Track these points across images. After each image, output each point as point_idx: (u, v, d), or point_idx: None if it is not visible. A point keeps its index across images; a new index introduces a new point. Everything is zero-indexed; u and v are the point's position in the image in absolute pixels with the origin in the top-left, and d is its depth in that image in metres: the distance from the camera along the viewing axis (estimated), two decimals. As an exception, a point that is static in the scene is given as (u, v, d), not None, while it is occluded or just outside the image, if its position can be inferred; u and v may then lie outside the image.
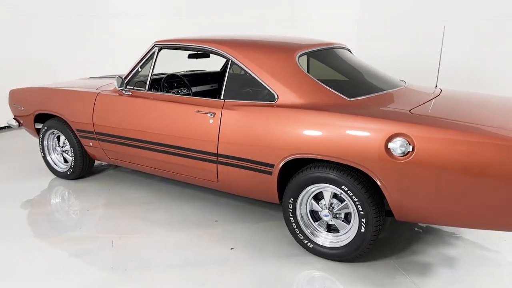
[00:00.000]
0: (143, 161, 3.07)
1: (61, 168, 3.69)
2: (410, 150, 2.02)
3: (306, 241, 2.46)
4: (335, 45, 3.04)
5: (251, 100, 2.59)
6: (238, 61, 2.63)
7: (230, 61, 2.70)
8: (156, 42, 3.04)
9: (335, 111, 2.27)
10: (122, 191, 3.43)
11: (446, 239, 2.69)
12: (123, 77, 3.08)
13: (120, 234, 2.72)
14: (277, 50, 2.67)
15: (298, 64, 2.55)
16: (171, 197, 3.30)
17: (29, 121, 3.71)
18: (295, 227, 2.47)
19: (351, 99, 2.39)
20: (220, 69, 4.10)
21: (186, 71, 3.90)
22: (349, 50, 3.21)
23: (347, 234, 2.36)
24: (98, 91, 3.25)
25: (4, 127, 5.50)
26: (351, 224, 2.33)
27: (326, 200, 2.38)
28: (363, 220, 2.22)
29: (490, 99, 2.71)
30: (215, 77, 4.01)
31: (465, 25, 5.28)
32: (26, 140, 4.92)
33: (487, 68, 5.25)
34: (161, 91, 3.19)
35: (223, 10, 6.55)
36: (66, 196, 3.36)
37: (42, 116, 3.65)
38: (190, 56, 3.44)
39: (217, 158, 2.64)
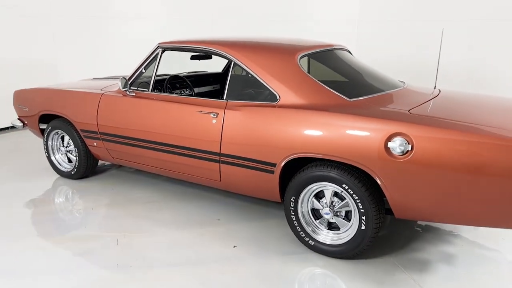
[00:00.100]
0: (146, 160, 3.12)
1: (65, 168, 3.73)
2: (409, 149, 2.07)
3: (308, 239, 2.51)
4: (335, 47, 3.09)
5: (253, 101, 2.64)
6: (241, 62, 2.68)
7: (232, 62, 2.75)
8: (159, 43, 3.09)
9: (336, 111, 2.32)
10: (125, 190, 3.48)
11: (445, 237, 2.73)
12: (127, 78, 3.13)
13: (124, 233, 2.77)
14: (278, 52, 2.72)
15: (299, 65, 2.60)
16: (174, 197, 3.35)
17: (33, 122, 3.76)
18: (297, 225, 2.52)
19: (352, 100, 2.44)
20: (222, 70, 4.15)
21: (188, 72, 3.95)
22: (349, 52, 3.26)
23: (347, 232, 2.40)
24: (102, 92, 3.30)
25: (7, 128, 5.55)
26: (351, 221, 2.38)
27: (327, 198, 2.42)
28: (363, 217, 2.27)
29: (488, 99, 2.76)
30: (217, 78, 4.06)
31: (463, 26, 5.33)
32: (30, 140, 4.97)
33: (486, 69, 5.30)
34: (164, 92, 3.23)
35: (223, 12, 6.60)
36: (70, 196, 3.41)
37: (46, 116, 3.70)
38: (192, 58, 3.50)
39: (220, 158, 2.68)
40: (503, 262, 2.51)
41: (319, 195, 2.47)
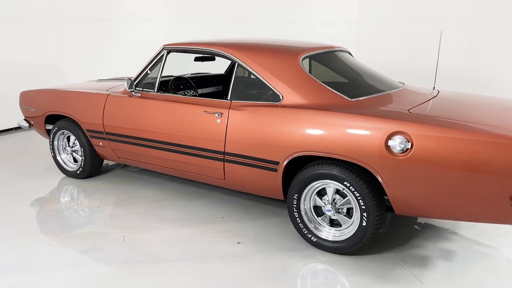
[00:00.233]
0: (152, 160, 3.19)
1: (70, 167, 3.80)
2: (409, 147, 2.14)
3: (310, 235, 2.57)
4: (336, 48, 3.16)
5: (256, 101, 2.71)
6: (245, 63, 2.75)
7: (236, 63, 2.82)
8: (164, 45, 3.16)
9: (338, 110, 2.39)
10: (130, 189, 3.55)
11: (444, 235, 2.80)
12: (132, 79, 3.20)
13: (130, 230, 2.83)
14: (281, 53, 2.79)
15: (302, 67, 2.67)
16: (179, 195, 3.41)
17: (40, 122, 3.82)
18: (299, 222, 2.58)
19: (353, 100, 2.51)
20: (225, 72, 4.22)
21: (192, 74, 4.02)
22: (349, 53, 3.33)
23: (349, 228, 2.47)
24: (108, 93, 3.37)
25: (12, 128, 5.62)
26: (353, 218, 2.44)
27: (329, 196, 2.49)
28: (365, 214, 2.33)
29: (485, 100, 2.83)
30: (219, 80, 4.13)
31: (461, 28, 5.41)
32: (35, 140, 5.05)
33: (483, 70, 5.38)
34: (168, 93, 3.30)
35: (224, 15, 6.68)
36: (76, 195, 3.47)
37: (52, 117, 3.77)
38: (196, 59, 3.57)
39: (224, 157, 2.75)
40: (501, 258, 2.57)
41: (321, 193, 2.54)
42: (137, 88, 3.21)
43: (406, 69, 5.69)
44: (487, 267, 2.44)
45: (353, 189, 2.33)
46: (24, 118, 4.04)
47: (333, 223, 2.56)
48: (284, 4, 6.51)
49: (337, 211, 2.49)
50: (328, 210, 2.50)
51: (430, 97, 2.74)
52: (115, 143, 3.32)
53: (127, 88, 3.18)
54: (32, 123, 3.96)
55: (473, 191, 2.08)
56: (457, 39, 5.40)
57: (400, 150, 2.15)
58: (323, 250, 2.55)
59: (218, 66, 4.20)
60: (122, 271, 2.36)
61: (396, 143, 2.16)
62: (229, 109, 2.72)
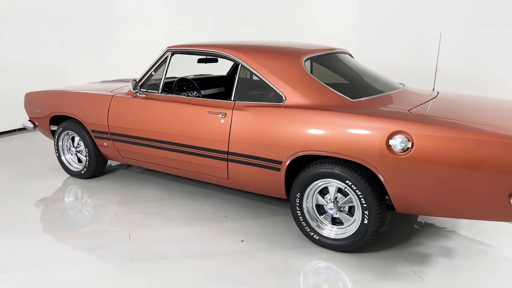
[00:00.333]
0: (156, 160, 3.23)
1: (75, 167, 3.84)
2: (410, 146, 2.19)
3: (312, 233, 2.62)
4: (337, 50, 3.22)
5: (260, 101, 2.76)
6: (248, 65, 2.81)
7: (240, 65, 2.87)
8: (169, 47, 3.21)
9: (340, 111, 2.44)
10: (134, 189, 3.59)
11: (443, 233, 2.85)
12: (137, 80, 3.25)
13: (135, 229, 2.88)
14: (284, 55, 2.84)
15: (304, 68, 2.72)
16: (182, 195, 3.46)
17: (44, 123, 3.87)
18: (302, 220, 2.63)
19: (354, 100, 2.56)
20: (227, 73, 4.27)
21: (195, 75, 4.08)
22: (350, 55, 3.39)
23: (351, 226, 2.52)
24: (112, 94, 3.42)
25: (16, 130, 5.67)
26: (354, 216, 2.49)
27: (331, 195, 2.54)
28: (366, 212, 2.38)
29: (484, 100, 2.89)
30: (222, 81, 4.18)
31: (460, 31, 5.47)
32: (39, 141, 5.10)
33: (482, 72, 5.45)
34: (172, 94, 3.35)
35: (225, 18, 6.75)
36: (81, 194, 3.52)
37: (56, 118, 3.82)
38: (199, 61, 3.62)
39: (227, 156, 2.80)
40: (500, 256, 2.62)
41: (323, 192, 2.59)
42: (141, 89, 3.26)
43: (406, 71, 5.76)
44: (486, 265, 2.49)
45: (354, 188, 2.38)
46: (29, 119, 4.09)
47: (335, 221, 2.61)
48: (285, 7, 6.58)
49: (339, 209, 2.54)
50: (330, 209, 2.55)
51: (430, 98, 2.80)
52: (119, 144, 3.37)
53: (131, 89, 3.23)
54: (37, 124, 4.01)
55: (472, 189, 2.13)
56: (456, 41, 5.46)
57: (401, 149, 2.21)
58: (325, 247, 2.60)
59: (220, 68, 4.26)
60: (129, 268, 2.40)
61: (397, 142, 2.21)
62: (232, 109, 2.77)
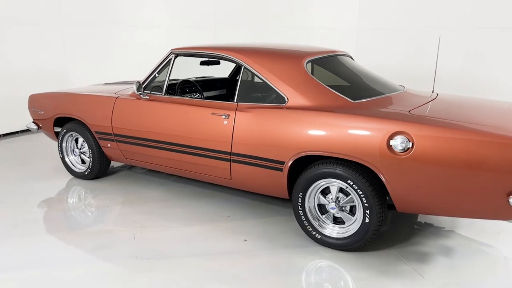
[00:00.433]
0: (160, 160, 3.28)
1: (78, 168, 3.88)
2: (410, 146, 2.24)
3: (314, 233, 2.66)
4: (338, 53, 3.27)
5: (262, 103, 2.80)
6: (251, 67, 2.85)
7: (243, 67, 2.92)
8: (172, 49, 3.26)
9: (341, 112, 2.49)
10: (137, 190, 3.63)
11: (443, 233, 2.89)
12: (140, 82, 3.30)
13: (140, 228, 2.91)
14: (286, 57, 2.89)
15: (306, 70, 2.77)
16: (185, 195, 3.50)
17: (48, 125, 3.91)
18: (304, 219, 2.67)
19: (355, 101, 2.61)
20: (228, 76, 4.32)
21: (197, 77, 4.12)
22: (351, 57, 3.44)
23: (352, 225, 2.56)
24: (116, 96, 3.46)
25: (18, 132, 5.71)
26: (355, 216, 2.54)
27: (332, 194, 2.58)
28: (367, 211, 2.43)
29: (483, 102, 2.94)
30: (223, 83, 4.23)
31: (459, 34, 5.54)
32: (42, 143, 5.14)
33: (481, 75, 5.50)
34: (175, 96, 3.40)
35: (226, 21, 6.80)
36: (85, 195, 3.56)
37: (60, 119, 3.86)
38: (202, 63, 3.67)
39: (230, 157, 2.84)
40: (498, 254, 2.66)
41: (325, 192, 2.63)
42: (145, 91, 3.30)
43: (405, 73, 5.81)
44: (485, 263, 2.53)
45: (356, 188, 2.43)
46: (32, 120, 4.13)
47: (337, 220, 2.65)
48: (285, 10, 6.64)
49: (341, 209, 2.58)
50: (332, 208, 2.59)
51: (429, 100, 2.85)
52: (123, 145, 3.42)
53: (135, 91, 3.28)
54: (40, 125, 4.05)
55: (471, 188, 2.18)
56: (455, 43, 5.52)
57: (401, 149, 2.25)
58: (327, 246, 2.64)
59: (221, 70, 4.30)
60: (134, 267, 2.44)
61: (398, 143, 2.25)
62: (235, 111, 2.82)
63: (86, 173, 3.80)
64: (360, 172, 2.41)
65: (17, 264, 2.46)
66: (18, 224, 2.98)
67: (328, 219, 2.66)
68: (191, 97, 3.66)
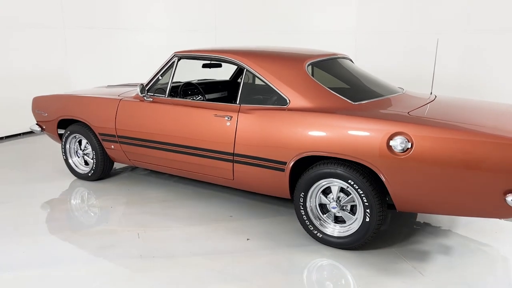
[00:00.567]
0: (163, 161, 3.32)
1: (81, 170, 3.93)
2: (409, 147, 2.29)
3: (316, 232, 2.71)
4: (338, 56, 3.33)
5: (264, 105, 2.86)
6: (254, 70, 2.91)
7: (245, 69, 2.98)
8: (175, 52, 3.32)
9: (342, 113, 2.55)
10: (140, 191, 3.68)
11: (442, 232, 2.94)
12: (144, 85, 3.35)
13: (144, 228, 2.96)
14: (288, 60, 2.95)
15: (307, 72, 2.83)
16: (187, 196, 3.55)
17: (52, 126, 3.96)
18: (306, 219, 2.72)
19: (356, 103, 2.67)
20: (229, 78, 4.38)
21: (198, 80, 4.18)
22: (350, 60, 3.50)
23: (353, 224, 2.61)
24: (120, 98, 3.52)
25: (20, 134, 5.75)
26: (356, 215, 2.59)
27: (333, 194, 2.63)
28: (368, 210, 2.48)
29: (480, 104, 3.00)
30: (225, 85, 4.29)
31: (457, 37, 5.61)
32: (45, 144, 5.18)
33: (478, 77, 5.58)
34: (178, 98, 3.45)
35: (226, 24, 6.87)
36: (89, 196, 3.60)
37: (63, 121, 3.90)
38: (204, 66, 3.73)
39: (233, 158, 2.89)
40: (497, 254, 2.72)
41: (326, 191, 2.68)
42: (148, 93, 3.36)
43: (404, 75, 5.87)
44: (483, 261, 2.58)
45: (356, 187, 2.48)
46: (36, 122, 4.17)
47: (338, 219, 2.70)
48: (285, 14, 6.71)
49: (342, 208, 2.63)
50: (333, 208, 2.64)
51: (428, 101, 2.91)
52: (127, 146, 3.46)
53: (139, 93, 3.33)
54: (44, 127, 4.10)
55: (469, 187, 2.23)
56: (453, 47, 5.60)
57: (401, 149, 2.31)
58: (328, 245, 2.69)
59: (222, 73, 4.36)
60: (140, 265, 2.49)
61: (397, 143, 2.31)
62: (238, 112, 2.87)
63: (89, 175, 3.84)
64: (360, 172, 2.47)
65: (21, 264, 2.50)
66: (22, 225, 3.02)
67: (329, 219, 2.71)
68: (193, 99, 3.71)
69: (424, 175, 2.29)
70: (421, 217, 3.18)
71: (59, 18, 5.83)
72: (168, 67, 3.32)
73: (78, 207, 3.39)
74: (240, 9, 6.83)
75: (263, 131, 2.75)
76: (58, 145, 4.78)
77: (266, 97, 2.99)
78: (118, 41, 6.46)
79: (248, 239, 2.81)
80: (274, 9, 6.74)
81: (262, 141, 2.75)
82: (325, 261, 2.57)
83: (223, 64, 3.66)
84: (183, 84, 3.67)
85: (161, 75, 3.35)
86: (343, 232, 2.65)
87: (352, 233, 2.59)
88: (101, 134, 3.59)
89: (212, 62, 3.57)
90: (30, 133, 5.69)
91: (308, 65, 2.93)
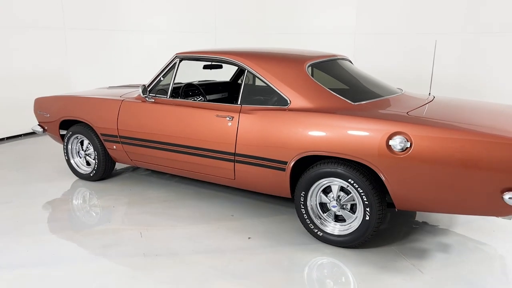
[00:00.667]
0: (164, 161, 3.36)
1: (83, 170, 3.96)
2: (408, 146, 2.33)
3: (316, 230, 2.75)
4: (338, 57, 3.38)
5: (265, 105, 2.90)
6: (255, 71, 2.95)
7: (246, 70, 3.02)
8: (177, 53, 3.35)
9: (342, 113, 2.59)
10: (142, 191, 3.71)
11: (440, 230, 2.98)
12: (146, 85, 3.38)
13: (146, 227, 2.99)
14: (289, 61, 2.99)
15: (308, 73, 2.87)
16: (188, 196, 3.58)
17: (54, 127, 3.99)
18: (306, 217, 2.76)
19: (355, 103, 2.71)
20: (230, 79, 4.42)
21: (199, 81, 4.22)
22: (350, 61, 3.54)
23: (353, 223, 2.65)
24: (122, 99, 3.55)
25: (20, 135, 5.77)
26: (356, 214, 2.63)
27: (334, 193, 2.67)
28: (368, 209, 2.52)
29: (478, 104, 3.04)
30: (225, 86, 4.32)
31: (455, 38, 5.66)
32: (46, 145, 5.20)
33: (476, 78, 5.63)
34: (179, 98, 3.49)
35: (226, 26, 6.91)
36: (91, 196, 3.63)
37: (65, 122, 3.93)
38: (205, 67, 3.77)
39: (234, 157, 2.93)
40: (493, 251, 2.76)
41: (326, 190, 2.72)
42: (150, 94, 3.39)
43: (403, 76, 5.93)
44: (481, 260, 2.62)
45: (356, 186, 2.52)
46: (38, 123, 4.20)
47: (338, 218, 2.74)
48: (285, 15, 6.75)
49: (342, 207, 2.67)
50: (333, 206, 2.68)
51: (426, 102, 2.95)
52: (129, 146, 3.50)
53: (141, 94, 3.36)
54: (46, 128, 4.12)
55: (467, 186, 2.27)
56: (451, 47, 5.65)
57: (400, 149, 2.35)
58: (329, 243, 2.73)
59: (223, 74, 4.39)
60: (143, 263, 2.52)
61: (396, 143, 2.35)
62: (239, 113, 2.91)
63: (91, 175, 3.87)
64: (360, 171, 2.51)
65: (22, 263, 2.53)
66: (24, 225, 3.05)
67: (330, 217, 2.75)
68: (194, 100, 3.75)
69: (423, 174, 2.33)
70: (420, 216, 3.22)
71: (59, 19, 5.86)
72: (170, 68, 3.35)
73: (80, 207, 3.42)
74: (240, 10, 6.87)
75: (264, 131, 2.79)
76: (59, 146, 4.82)
77: (267, 98, 3.03)
78: (118, 42, 6.50)
79: (249, 238, 2.85)
80: (274, 10, 6.78)
81: (263, 141, 2.79)
82: (326, 259, 2.61)
83: (224, 65, 3.69)
84: (185, 85, 3.70)
85: (163, 76, 3.39)
86: (343, 230, 2.68)
87: (352, 232, 2.63)
88: (103, 135, 3.62)
89: (213, 63, 3.61)
90: (31, 134, 5.72)
91: (308, 66, 2.97)
